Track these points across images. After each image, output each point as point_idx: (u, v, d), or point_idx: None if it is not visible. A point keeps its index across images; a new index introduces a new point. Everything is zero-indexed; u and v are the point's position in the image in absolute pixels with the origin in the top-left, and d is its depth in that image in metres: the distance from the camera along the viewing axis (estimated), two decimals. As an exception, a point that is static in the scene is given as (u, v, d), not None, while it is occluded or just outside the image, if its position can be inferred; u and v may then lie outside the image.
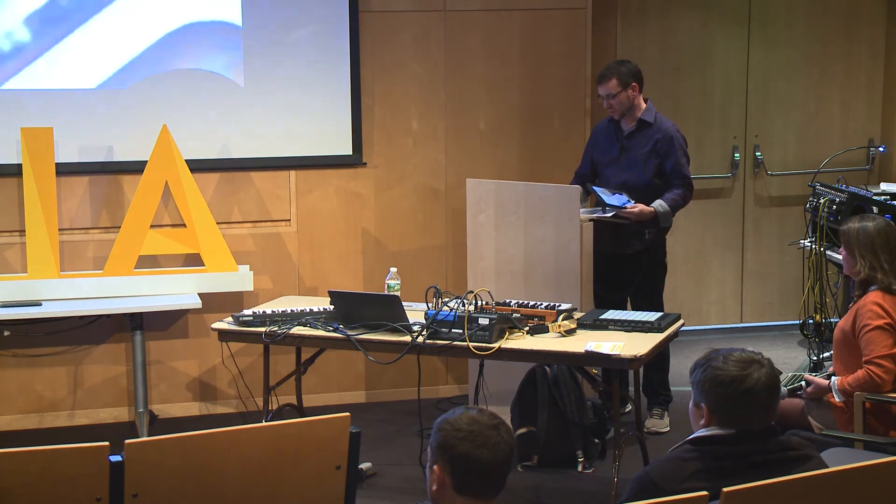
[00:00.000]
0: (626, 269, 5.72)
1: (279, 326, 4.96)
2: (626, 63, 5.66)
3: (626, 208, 5.48)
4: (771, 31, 7.32)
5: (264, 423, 3.94)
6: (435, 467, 2.58)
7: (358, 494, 3.51)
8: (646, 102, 5.66)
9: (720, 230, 7.45)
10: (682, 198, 5.62)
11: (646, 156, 5.61)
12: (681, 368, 6.46)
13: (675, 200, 5.58)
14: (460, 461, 2.54)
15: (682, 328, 5.02)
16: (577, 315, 4.96)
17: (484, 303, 4.82)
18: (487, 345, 4.64)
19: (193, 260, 5.89)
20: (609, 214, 5.52)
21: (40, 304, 5.59)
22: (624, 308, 5.59)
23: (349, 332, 4.86)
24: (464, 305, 4.72)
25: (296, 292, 6.12)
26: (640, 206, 5.50)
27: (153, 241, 5.79)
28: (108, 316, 5.86)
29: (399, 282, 5.34)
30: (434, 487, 2.59)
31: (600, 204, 5.62)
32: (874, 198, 5.96)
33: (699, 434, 2.98)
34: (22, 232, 5.77)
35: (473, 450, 2.53)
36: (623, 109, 5.61)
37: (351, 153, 6.16)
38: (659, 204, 5.54)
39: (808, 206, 6.18)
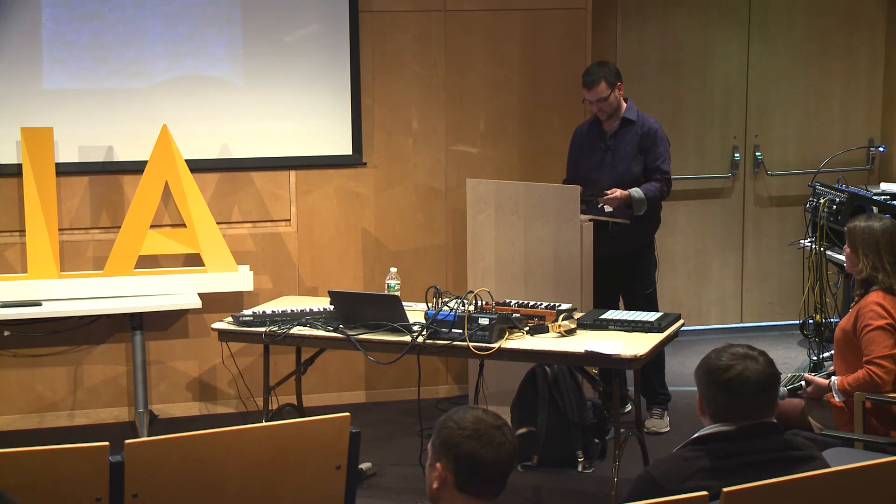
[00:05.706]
0: (619, 269, 5.74)
1: (279, 326, 4.96)
2: (606, 64, 5.65)
3: (606, 194, 5.50)
4: (771, 31, 7.32)
5: (264, 423, 3.94)
6: (437, 465, 2.57)
7: (358, 494, 3.51)
8: (626, 101, 5.67)
9: (720, 230, 7.44)
10: (660, 191, 5.61)
11: (633, 153, 5.63)
12: (681, 368, 6.47)
13: (652, 191, 5.58)
14: (464, 460, 2.54)
15: (682, 328, 5.02)
16: (577, 315, 4.96)
17: (484, 303, 4.81)
18: (487, 345, 4.63)
19: (193, 260, 5.89)
20: (606, 210, 5.54)
21: (40, 304, 5.59)
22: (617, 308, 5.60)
23: (349, 332, 4.86)
24: (464, 305, 4.72)
25: (296, 292, 6.12)
26: (619, 190, 5.51)
27: (153, 241, 5.79)
28: (108, 316, 5.85)
29: (399, 282, 5.34)
30: (435, 485, 2.58)
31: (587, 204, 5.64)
32: (874, 198, 5.96)
33: (701, 433, 2.98)
34: (22, 232, 5.77)
35: (478, 449, 2.53)
36: (612, 110, 5.63)
37: (351, 153, 6.16)
38: (634, 190, 5.55)
39: (808, 206, 6.18)
